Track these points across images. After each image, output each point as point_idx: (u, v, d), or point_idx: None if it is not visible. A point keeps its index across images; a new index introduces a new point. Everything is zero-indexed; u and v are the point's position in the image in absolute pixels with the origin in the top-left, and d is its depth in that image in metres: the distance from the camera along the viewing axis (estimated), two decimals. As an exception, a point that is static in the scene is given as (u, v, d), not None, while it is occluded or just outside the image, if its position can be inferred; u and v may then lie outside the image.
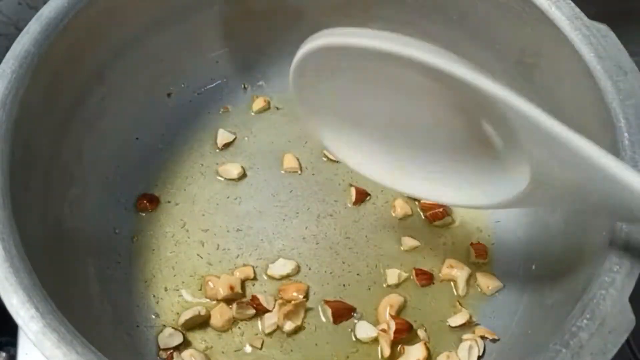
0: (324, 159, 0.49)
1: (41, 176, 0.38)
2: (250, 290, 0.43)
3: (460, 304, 0.43)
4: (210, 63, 0.51)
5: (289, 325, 0.41)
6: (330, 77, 0.30)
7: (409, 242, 0.45)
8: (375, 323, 0.42)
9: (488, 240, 0.46)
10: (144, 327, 0.42)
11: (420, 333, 0.42)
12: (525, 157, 0.26)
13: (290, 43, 0.51)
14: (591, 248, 0.35)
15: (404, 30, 0.49)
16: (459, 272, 0.44)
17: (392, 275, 0.44)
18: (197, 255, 0.45)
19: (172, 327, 0.41)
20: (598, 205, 0.26)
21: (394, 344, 0.41)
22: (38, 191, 0.38)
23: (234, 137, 0.50)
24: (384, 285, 0.44)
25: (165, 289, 0.43)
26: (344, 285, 0.44)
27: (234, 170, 0.48)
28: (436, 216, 0.46)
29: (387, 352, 0.40)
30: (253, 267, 0.44)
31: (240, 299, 0.42)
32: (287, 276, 0.44)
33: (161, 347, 0.41)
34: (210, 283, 0.43)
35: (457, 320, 0.42)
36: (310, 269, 0.44)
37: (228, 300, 0.42)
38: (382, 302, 0.42)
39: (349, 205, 0.47)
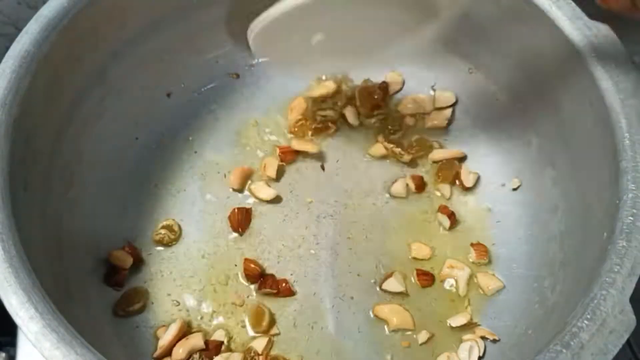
0: (324, 159, 0.49)
1: (41, 176, 0.38)
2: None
3: (460, 304, 0.43)
4: (210, 63, 0.51)
5: None
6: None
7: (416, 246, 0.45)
8: (376, 323, 0.42)
9: (489, 240, 0.46)
10: (143, 328, 0.42)
11: (423, 334, 0.42)
12: None
13: (290, 43, 0.52)
14: (591, 248, 0.35)
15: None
16: (459, 273, 0.44)
17: (394, 284, 0.43)
18: (197, 255, 0.45)
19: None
20: None
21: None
22: (38, 191, 0.38)
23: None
24: (382, 289, 0.44)
25: (165, 290, 0.43)
26: (344, 285, 0.44)
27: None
28: (452, 219, 0.46)
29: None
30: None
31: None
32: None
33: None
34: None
35: (458, 320, 0.42)
36: (310, 269, 0.44)
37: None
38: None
39: (349, 205, 0.47)
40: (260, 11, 0.39)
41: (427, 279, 0.44)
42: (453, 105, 0.50)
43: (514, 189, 0.47)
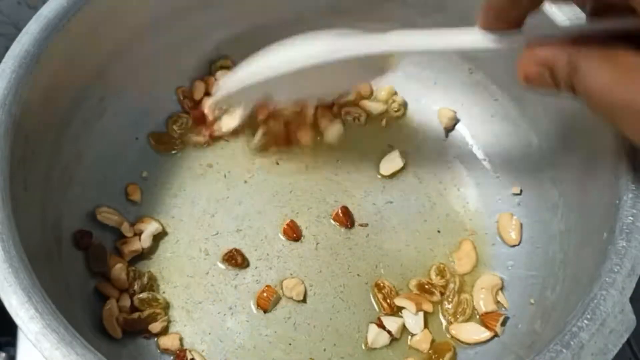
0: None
1: (41, 176, 0.38)
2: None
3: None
4: (210, 63, 0.51)
5: None
6: None
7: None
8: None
9: (488, 240, 0.46)
10: (144, 328, 0.42)
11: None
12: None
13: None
14: (591, 248, 0.35)
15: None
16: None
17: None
18: (198, 256, 0.45)
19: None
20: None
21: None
22: (38, 191, 0.38)
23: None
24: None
25: (165, 290, 0.43)
26: (344, 285, 0.44)
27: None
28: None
29: None
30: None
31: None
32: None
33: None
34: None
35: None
36: (310, 269, 0.44)
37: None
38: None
39: (350, 204, 0.47)
40: (261, 13, 0.39)
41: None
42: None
43: (515, 194, 0.47)
